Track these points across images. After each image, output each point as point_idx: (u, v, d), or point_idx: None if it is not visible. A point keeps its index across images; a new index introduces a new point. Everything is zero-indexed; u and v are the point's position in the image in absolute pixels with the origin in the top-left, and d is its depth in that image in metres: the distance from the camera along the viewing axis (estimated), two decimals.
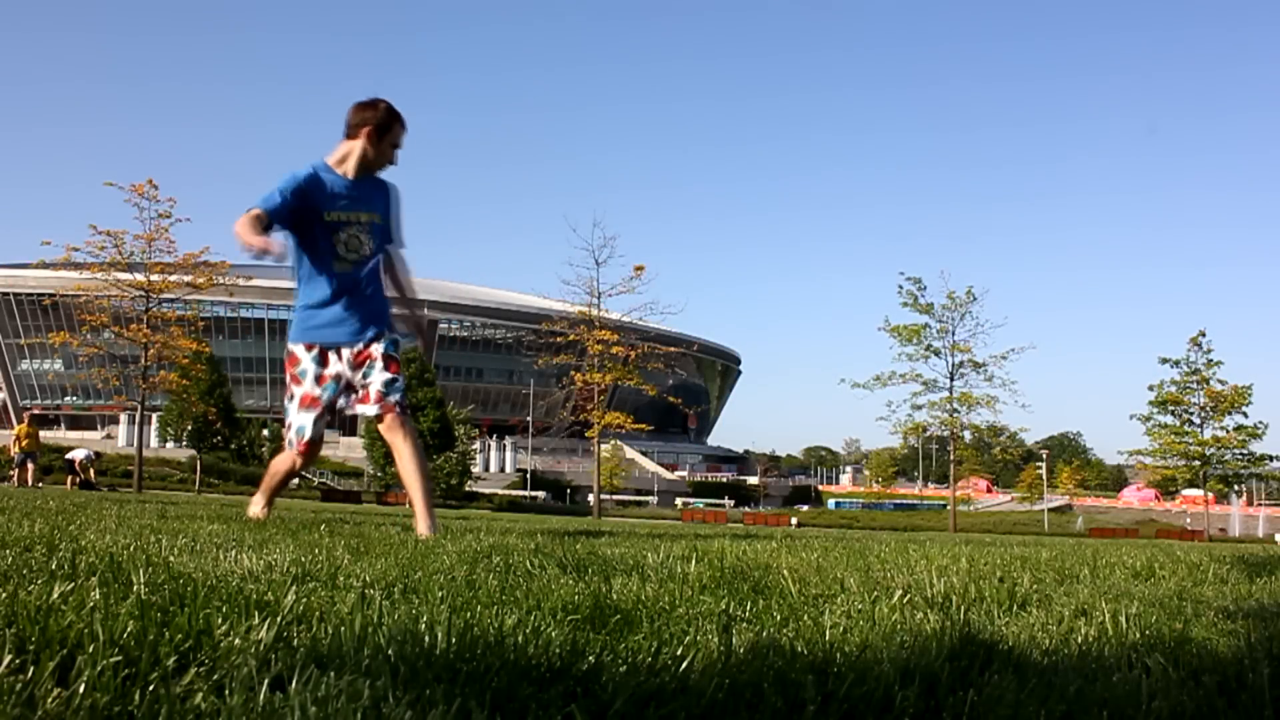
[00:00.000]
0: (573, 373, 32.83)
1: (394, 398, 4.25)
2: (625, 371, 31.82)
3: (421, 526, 4.12)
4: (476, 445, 59.98)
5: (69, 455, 24.99)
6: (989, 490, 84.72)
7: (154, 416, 45.21)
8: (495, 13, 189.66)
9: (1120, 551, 4.69)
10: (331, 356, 4.26)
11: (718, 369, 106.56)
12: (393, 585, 1.76)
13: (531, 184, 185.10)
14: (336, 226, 4.14)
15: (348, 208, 4.14)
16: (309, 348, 4.29)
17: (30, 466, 20.88)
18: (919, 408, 32.94)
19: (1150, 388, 36.13)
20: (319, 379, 4.26)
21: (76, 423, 73.65)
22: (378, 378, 4.22)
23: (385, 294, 4.41)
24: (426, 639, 1.17)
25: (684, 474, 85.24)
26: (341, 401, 4.29)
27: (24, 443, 21.08)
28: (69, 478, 24.15)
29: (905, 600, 1.87)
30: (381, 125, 4.12)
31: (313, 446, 4.33)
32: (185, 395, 34.95)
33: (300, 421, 4.27)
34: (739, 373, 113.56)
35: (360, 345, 4.23)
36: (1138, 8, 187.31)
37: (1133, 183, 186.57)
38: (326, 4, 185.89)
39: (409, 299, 4.59)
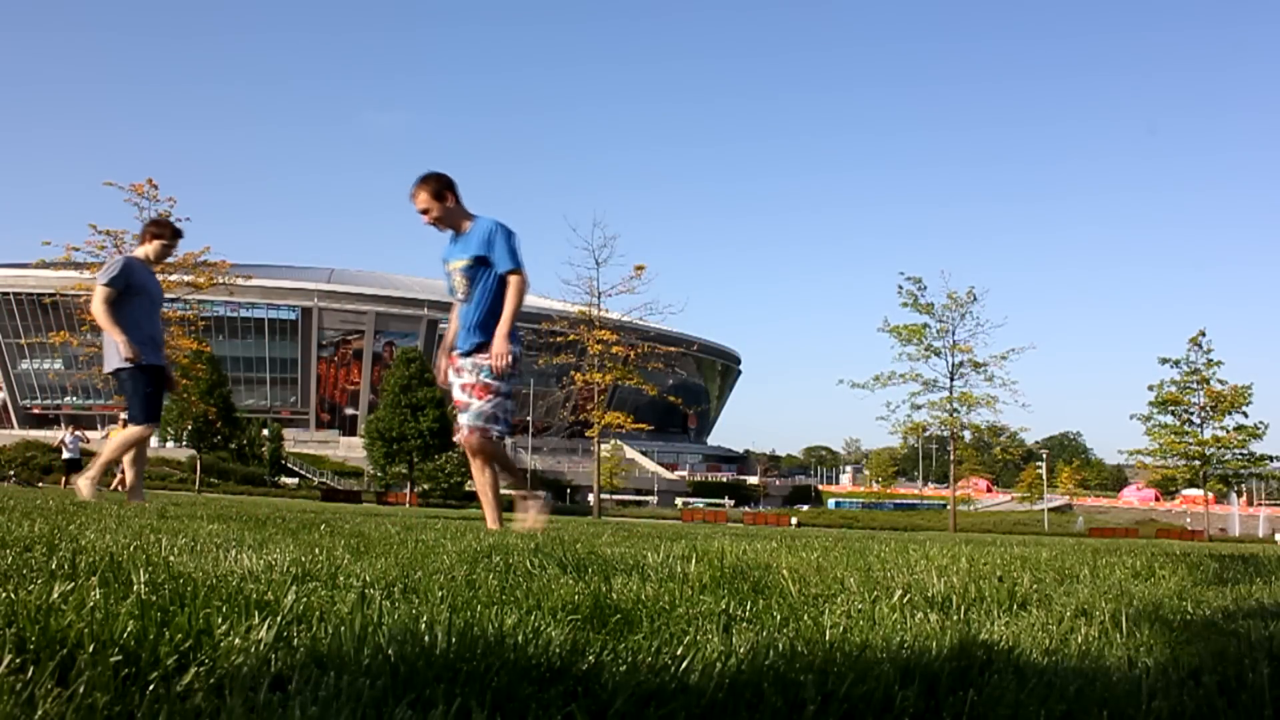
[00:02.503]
0: (573, 373, 32.85)
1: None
2: (625, 371, 31.85)
3: None
4: None
5: (65, 456, 24.63)
6: (989, 490, 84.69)
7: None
8: (495, 12, 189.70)
9: (1120, 551, 4.69)
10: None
11: (718, 369, 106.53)
12: (393, 585, 1.76)
13: (531, 184, 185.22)
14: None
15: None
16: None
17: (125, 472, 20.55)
18: (919, 407, 33.02)
19: (1150, 388, 36.23)
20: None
21: (76, 422, 73.74)
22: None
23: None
24: (426, 639, 1.17)
25: (684, 474, 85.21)
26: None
27: None
28: (64, 478, 24.00)
29: (905, 600, 1.87)
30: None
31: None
32: (185, 395, 34.98)
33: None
34: (739, 373, 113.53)
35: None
36: (1138, 8, 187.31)
37: (1133, 183, 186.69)
38: (326, 4, 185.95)
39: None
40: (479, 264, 5.04)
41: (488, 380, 5.00)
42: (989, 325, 35.92)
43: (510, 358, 4.97)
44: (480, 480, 5.23)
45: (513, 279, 5.01)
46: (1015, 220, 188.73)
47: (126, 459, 6.54)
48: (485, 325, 5.02)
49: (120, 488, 18.92)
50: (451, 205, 5.08)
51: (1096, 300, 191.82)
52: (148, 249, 6.45)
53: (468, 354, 5.06)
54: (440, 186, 5.06)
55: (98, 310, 6.09)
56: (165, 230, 6.49)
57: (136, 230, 28.95)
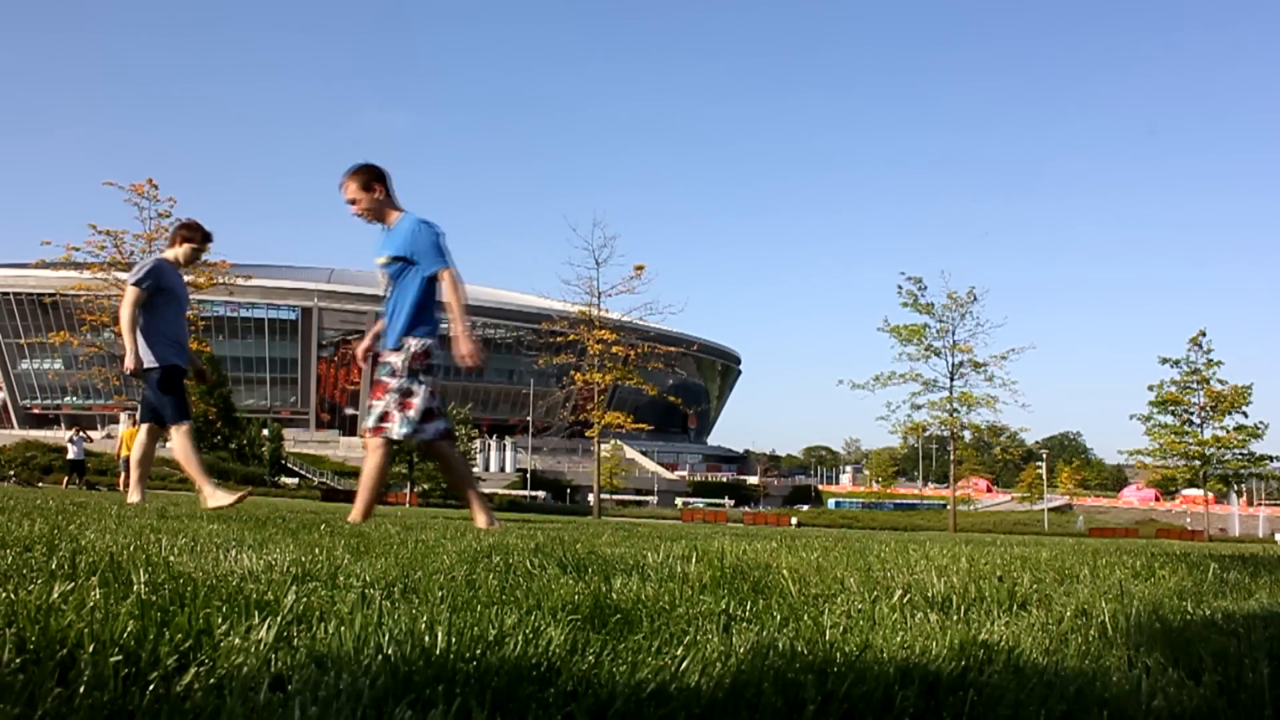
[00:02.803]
0: (573, 372, 32.87)
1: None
2: (625, 371, 31.85)
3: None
4: (476, 445, 60.00)
5: (70, 456, 24.60)
6: (989, 490, 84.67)
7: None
8: (495, 12, 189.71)
9: (1120, 551, 4.69)
10: None
11: (718, 369, 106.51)
12: (393, 585, 1.76)
13: (531, 184, 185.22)
14: None
15: None
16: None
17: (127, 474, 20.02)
18: (919, 408, 33.03)
19: (1150, 388, 36.20)
20: None
21: (76, 423, 73.75)
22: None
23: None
24: (426, 639, 1.17)
25: (684, 474, 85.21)
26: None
27: (128, 449, 19.33)
28: (65, 478, 23.99)
29: (905, 600, 1.87)
30: None
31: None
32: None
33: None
34: (739, 373, 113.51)
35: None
36: (1138, 8, 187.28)
37: (1133, 183, 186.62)
38: (326, 4, 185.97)
39: None
40: (399, 262, 4.96)
41: (383, 379, 4.96)
42: (989, 325, 35.93)
43: (475, 352, 4.89)
44: (450, 479, 5.23)
45: (445, 275, 4.92)
46: (1015, 220, 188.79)
47: (134, 458, 6.56)
48: (405, 324, 4.95)
49: (123, 488, 18.75)
50: (380, 197, 5.00)
51: (1096, 300, 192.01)
52: (178, 252, 6.41)
53: (389, 350, 5.00)
54: (369, 178, 4.99)
55: (125, 311, 6.11)
56: (196, 234, 6.45)
57: (137, 230, 29.05)
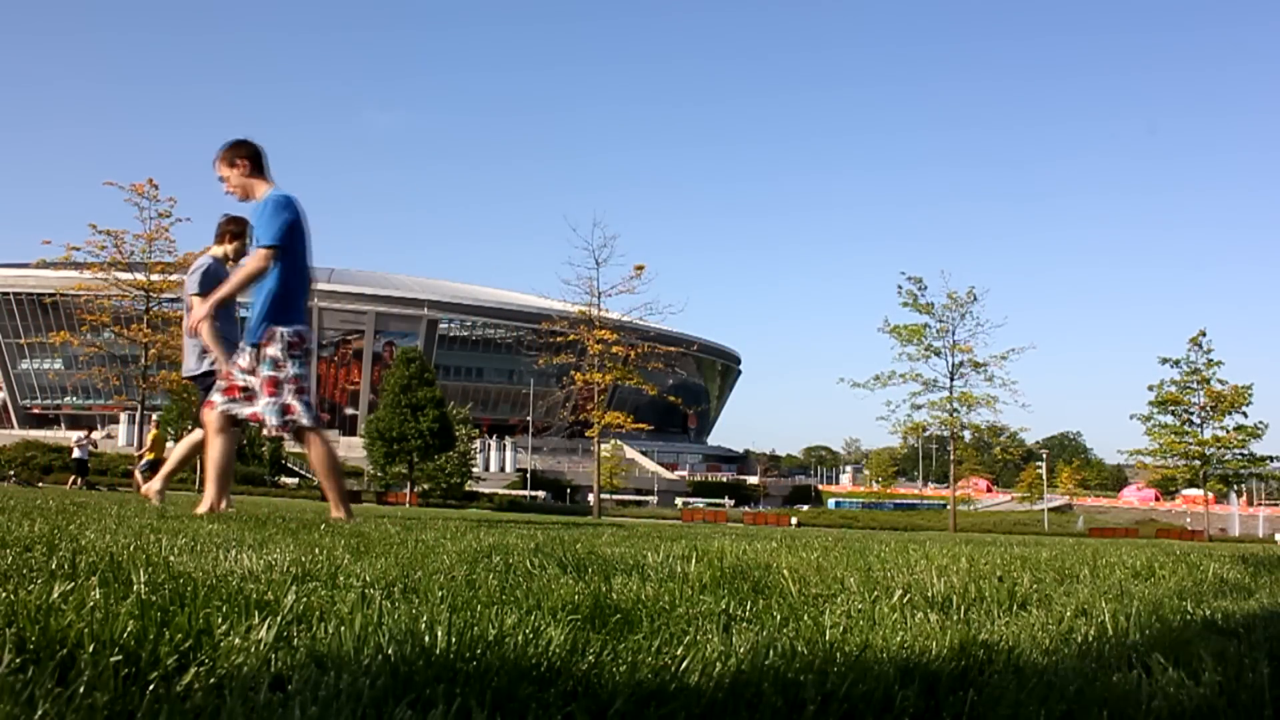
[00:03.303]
0: (573, 372, 32.90)
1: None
2: (625, 371, 31.89)
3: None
4: (476, 445, 60.01)
5: (75, 456, 24.63)
6: (989, 490, 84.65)
7: (154, 416, 45.36)
8: (495, 12, 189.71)
9: (1120, 551, 4.69)
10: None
11: (718, 369, 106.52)
12: (393, 585, 1.76)
13: (531, 184, 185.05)
14: None
15: None
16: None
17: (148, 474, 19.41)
18: (919, 407, 33.04)
19: (1150, 388, 36.21)
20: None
21: (76, 422, 73.78)
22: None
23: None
24: (426, 639, 1.17)
25: (684, 474, 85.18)
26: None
27: (152, 452, 18.42)
28: (71, 478, 24.03)
29: (905, 600, 1.87)
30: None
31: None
32: (185, 395, 34.98)
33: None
34: (739, 373, 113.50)
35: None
36: (1138, 8, 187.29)
37: (1133, 183, 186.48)
38: (326, 4, 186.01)
39: None
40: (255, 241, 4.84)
41: (271, 374, 4.83)
42: (989, 325, 35.99)
43: (193, 325, 4.78)
44: (324, 466, 5.01)
45: (258, 252, 4.75)
46: (1015, 220, 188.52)
47: (174, 458, 6.44)
48: (270, 313, 4.82)
49: (139, 488, 18.45)
50: (244, 173, 4.88)
51: (1096, 300, 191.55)
52: (226, 249, 6.20)
53: (254, 344, 4.85)
54: (235, 154, 4.88)
55: (204, 326, 5.82)
56: (246, 226, 6.16)
57: (137, 230, 29.05)
